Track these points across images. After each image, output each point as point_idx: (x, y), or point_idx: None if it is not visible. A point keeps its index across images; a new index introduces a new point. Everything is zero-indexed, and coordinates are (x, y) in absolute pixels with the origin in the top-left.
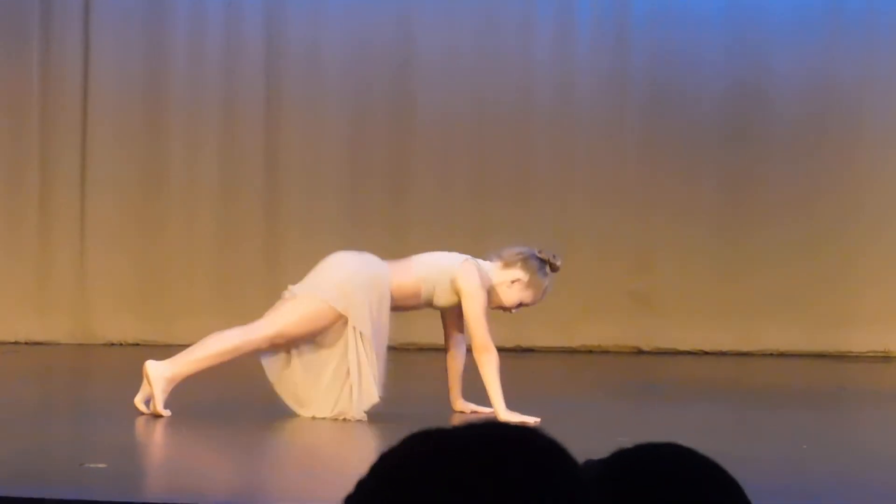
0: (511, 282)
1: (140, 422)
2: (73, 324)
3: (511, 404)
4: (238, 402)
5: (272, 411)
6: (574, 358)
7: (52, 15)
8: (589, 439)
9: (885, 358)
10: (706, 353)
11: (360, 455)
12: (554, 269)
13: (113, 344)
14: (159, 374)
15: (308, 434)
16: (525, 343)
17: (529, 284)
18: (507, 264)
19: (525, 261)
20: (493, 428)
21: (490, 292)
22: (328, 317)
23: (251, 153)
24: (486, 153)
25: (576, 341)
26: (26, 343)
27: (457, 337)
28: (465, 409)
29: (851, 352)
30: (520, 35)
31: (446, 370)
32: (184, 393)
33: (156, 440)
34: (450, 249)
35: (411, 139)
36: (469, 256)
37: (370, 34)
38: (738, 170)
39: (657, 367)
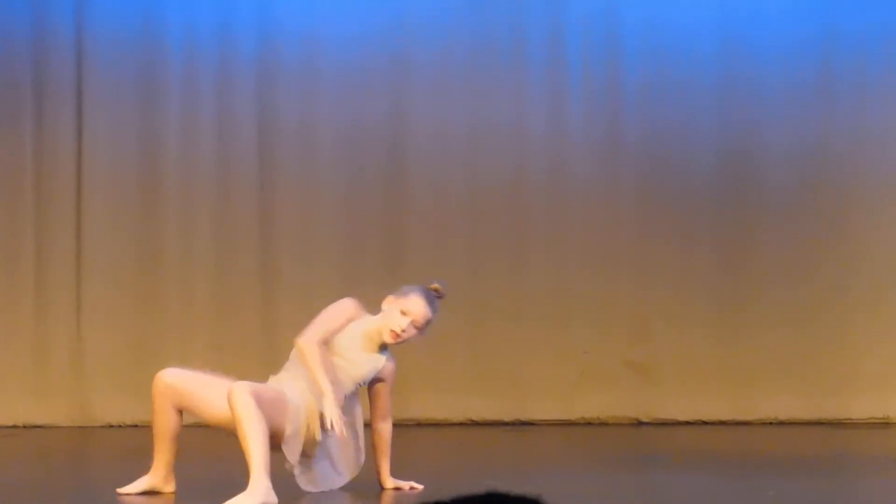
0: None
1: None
2: (72, 406)
3: (511, 479)
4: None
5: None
6: (573, 430)
7: (45, 94)
8: None
9: (885, 424)
10: (705, 423)
11: None
12: (439, 295)
13: (112, 426)
14: None
15: None
16: (524, 416)
17: (400, 302)
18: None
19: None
20: (496, 499)
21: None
22: None
23: (245, 229)
24: (481, 224)
25: (575, 413)
26: (24, 426)
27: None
28: (398, 486)
29: (851, 419)
30: (513, 105)
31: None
32: (186, 473)
33: None
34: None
35: (406, 211)
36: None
37: (362, 109)
38: (733, 238)
39: (657, 439)
